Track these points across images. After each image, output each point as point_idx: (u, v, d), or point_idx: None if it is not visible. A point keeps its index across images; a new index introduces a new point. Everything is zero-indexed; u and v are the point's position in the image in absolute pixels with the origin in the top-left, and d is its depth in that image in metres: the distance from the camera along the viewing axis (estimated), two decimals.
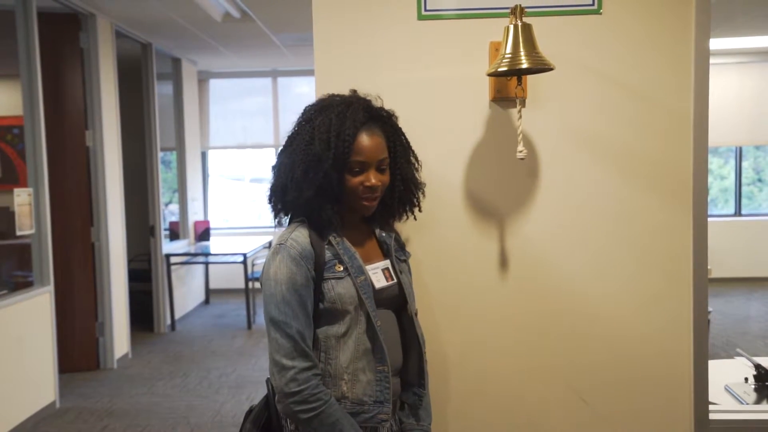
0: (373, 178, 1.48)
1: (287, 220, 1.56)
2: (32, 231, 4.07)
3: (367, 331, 1.48)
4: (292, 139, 1.50)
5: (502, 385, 1.88)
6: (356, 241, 1.55)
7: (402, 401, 1.62)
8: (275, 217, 1.55)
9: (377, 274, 1.53)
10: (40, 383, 4.10)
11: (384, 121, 1.54)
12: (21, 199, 3.95)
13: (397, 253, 1.62)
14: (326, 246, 1.49)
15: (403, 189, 1.57)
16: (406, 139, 1.59)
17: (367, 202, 1.50)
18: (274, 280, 1.43)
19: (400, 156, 1.56)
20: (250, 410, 1.58)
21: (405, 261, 1.65)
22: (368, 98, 1.55)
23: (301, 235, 1.47)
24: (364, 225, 1.61)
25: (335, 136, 1.44)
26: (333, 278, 1.47)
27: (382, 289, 1.52)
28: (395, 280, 1.56)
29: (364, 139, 1.46)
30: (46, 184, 4.13)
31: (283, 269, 1.44)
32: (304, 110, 1.53)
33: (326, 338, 1.48)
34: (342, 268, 1.48)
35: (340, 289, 1.46)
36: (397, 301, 1.57)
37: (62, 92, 4.78)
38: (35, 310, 4.07)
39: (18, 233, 3.94)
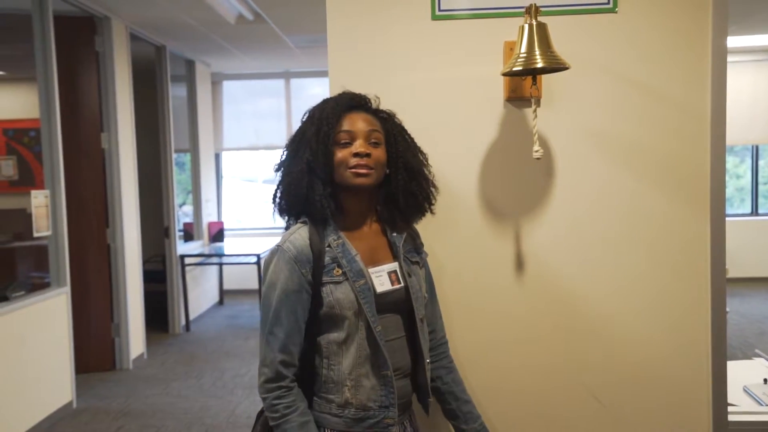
0: (360, 145, 1.45)
1: (291, 222, 1.56)
2: (49, 233, 4.11)
3: (368, 336, 1.45)
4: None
5: (517, 384, 1.87)
6: (362, 240, 1.52)
7: (447, 409, 1.65)
8: (277, 212, 1.54)
9: (381, 277, 1.49)
10: (56, 383, 4.14)
11: (379, 116, 1.54)
12: (38, 201, 3.99)
13: (408, 254, 1.57)
14: (326, 249, 1.46)
15: (409, 178, 1.52)
16: (410, 136, 1.58)
17: (356, 169, 1.45)
18: (268, 282, 1.45)
19: (402, 146, 1.53)
20: (262, 411, 1.58)
21: (418, 263, 1.60)
22: (366, 95, 1.56)
23: (300, 238, 1.46)
24: (374, 224, 1.56)
25: (319, 116, 1.47)
26: (331, 283, 1.45)
27: (386, 293, 1.48)
28: (402, 284, 1.52)
29: (351, 116, 1.48)
30: (62, 186, 4.17)
31: (277, 273, 1.43)
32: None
33: (328, 344, 1.46)
34: (340, 272, 1.45)
35: (338, 294, 1.44)
36: (405, 306, 1.53)
37: (78, 95, 4.82)
38: (52, 311, 4.10)
39: (35, 235, 3.98)
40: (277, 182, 1.54)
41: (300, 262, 1.43)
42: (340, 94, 1.54)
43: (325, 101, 1.52)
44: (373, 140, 1.48)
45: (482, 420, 1.67)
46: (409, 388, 1.55)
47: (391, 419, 1.47)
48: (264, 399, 1.44)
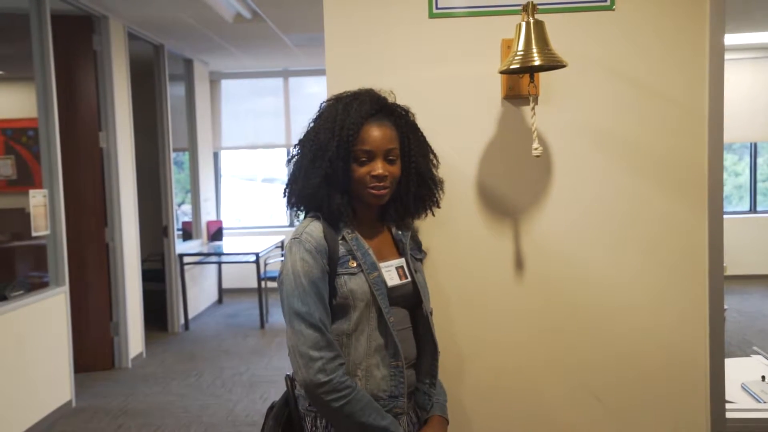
0: (380, 168, 1.47)
1: (302, 216, 1.58)
2: (47, 232, 4.10)
3: (379, 327, 1.48)
4: (305, 132, 1.54)
5: (516, 382, 1.88)
6: (370, 237, 1.56)
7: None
8: (290, 208, 1.56)
9: (390, 272, 1.53)
10: (56, 383, 4.14)
11: (396, 115, 1.54)
12: (36, 200, 3.99)
13: (412, 251, 1.61)
14: (340, 241, 1.49)
15: (419, 184, 1.56)
16: (422, 135, 1.60)
17: (374, 191, 1.48)
18: (293, 273, 1.44)
19: (414, 150, 1.55)
20: (272, 407, 1.60)
21: (421, 260, 1.64)
22: (381, 93, 1.56)
23: (316, 230, 1.48)
24: (379, 222, 1.60)
25: (340, 125, 1.46)
26: (346, 274, 1.47)
27: (395, 287, 1.52)
28: (409, 279, 1.56)
29: (371, 129, 1.48)
30: (60, 185, 4.17)
31: (300, 262, 1.44)
32: (319, 105, 1.57)
33: (339, 335, 1.48)
34: (355, 264, 1.48)
35: (352, 284, 1.46)
36: (411, 300, 1.57)
37: (76, 94, 4.82)
38: (51, 311, 4.10)
39: (33, 234, 3.97)
40: (289, 179, 1.54)
41: (320, 252, 1.46)
42: (359, 99, 1.50)
43: (346, 108, 1.48)
44: (391, 157, 1.50)
45: (443, 394, 1.66)
46: (414, 377, 1.58)
47: (400, 408, 1.50)
48: (328, 382, 1.39)
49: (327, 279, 1.46)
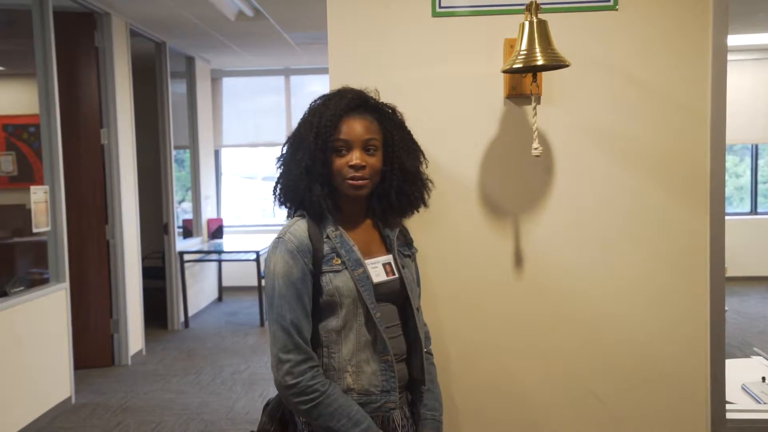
0: (356, 157, 1.48)
1: (291, 213, 1.59)
2: (48, 228, 4.10)
3: (366, 323, 1.49)
4: (293, 131, 1.57)
5: (514, 384, 1.88)
6: (357, 234, 1.56)
7: (411, 395, 1.64)
8: (277, 204, 1.58)
9: (377, 268, 1.53)
10: (55, 379, 4.14)
11: (380, 113, 1.55)
12: (37, 197, 3.99)
13: (401, 248, 1.61)
14: (324, 240, 1.50)
15: (403, 180, 1.55)
16: (409, 133, 1.60)
17: (352, 181, 1.49)
18: (273, 273, 1.47)
19: (398, 146, 1.55)
20: (267, 404, 1.61)
21: (410, 256, 1.64)
22: (366, 91, 1.57)
23: (300, 229, 1.50)
24: (367, 219, 1.60)
25: (318, 118, 1.49)
26: (331, 271, 1.48)
27: (382, 284, 1.52)
28: (396, 275, 1.56)
29: (349, 121, 1.50)
30: (61, 182, 4.17)
31: (281, 263, 1.46)
32: (308, 106, 1.58)
33: (327, 333, 1.50)
34: (339, 262, 1.49)
35: (337, 282, 1.48)
36: (399, 296, 1.57)
37: (77, 91, 4.81)
38: (51, 307, 4.10)
39: (34, 231, 3.98)
40: (277, 176, 1.57)
41: (302, 252, 1.47)
42: (340, 94, 1.54)
43: (326, 102, 1.53)
44: (370, 147, 1.50)
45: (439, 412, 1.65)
46: (405, 371, 1.58)
47: (392, 403, 1.51)
48: (295, 385, 1.41)
49: (309, 279, 1.47)
